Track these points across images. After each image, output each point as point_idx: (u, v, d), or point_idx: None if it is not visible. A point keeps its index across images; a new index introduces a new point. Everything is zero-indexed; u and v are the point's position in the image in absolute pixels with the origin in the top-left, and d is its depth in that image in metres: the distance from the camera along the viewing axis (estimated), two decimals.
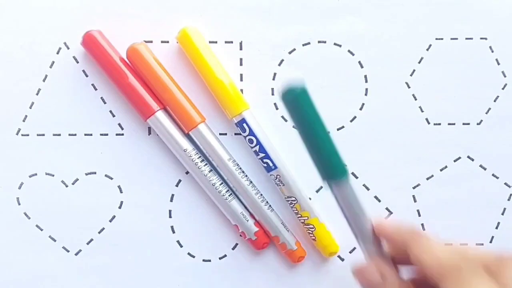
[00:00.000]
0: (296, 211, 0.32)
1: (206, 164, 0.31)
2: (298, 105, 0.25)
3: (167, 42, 0.32)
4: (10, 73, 0.32)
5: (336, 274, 0.33)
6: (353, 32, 0.32)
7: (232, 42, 0.32)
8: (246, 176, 0.31)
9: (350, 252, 0.33)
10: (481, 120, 0.33)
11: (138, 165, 0.32)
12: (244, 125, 0.31)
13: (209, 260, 0.33)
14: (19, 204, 0.32)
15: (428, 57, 0.33)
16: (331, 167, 0.26)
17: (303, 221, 0.32)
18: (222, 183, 0.31)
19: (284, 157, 0.32)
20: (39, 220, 0.32)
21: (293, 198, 0.31)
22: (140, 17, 0.32)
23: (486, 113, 0.33)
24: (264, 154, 0.31)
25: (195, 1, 0.32)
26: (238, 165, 0.31)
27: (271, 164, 0.31)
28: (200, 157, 0.31)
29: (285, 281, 0.33)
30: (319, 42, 0.32)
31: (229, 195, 0.31)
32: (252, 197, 0.31)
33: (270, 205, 0.32)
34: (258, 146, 0.31)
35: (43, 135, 0.32)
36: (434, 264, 0.25)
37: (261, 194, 0.32)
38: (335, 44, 0.32)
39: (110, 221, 0.32)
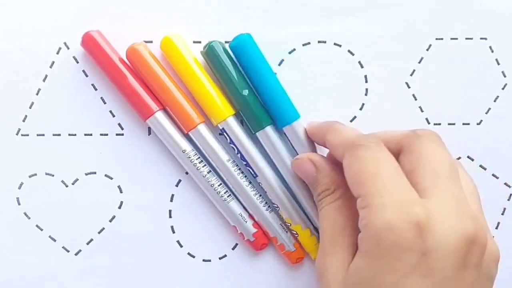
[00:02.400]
0: (281, 217, 0.32)
1: (205, 165, 0.31)
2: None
3: None
4: (10, 73, 0.32)
5: None
6: (353, 32, 0.32)
7: None
8: (246, 176, 0.31)
9: None
10: (481, 120, 0.33)
11: (138, 165, 0.32)
12: (225, 134, 0.31)
13: (209, 260, 0.33)
14: (19, 204, 0.32)
15: (428, 57, 0.33)
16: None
17: (288, 225, 0.32)
18: (220, 184, 0.31)
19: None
20: (39, 220, 0.32)
21: (276, 205, 0.32)
22: (140, 17, 0.32)
23: (486, 113, 0.33)
24: (245, 162, 0.31)
25: (195, 1, 0.32)
26: (237, 165, 0.31)
27: (252, 172, 0.31)
28: (199, 158, 0.31)
29: (286, 281, 0.33)
30: (319, 42, 0.32)
31: (227, 196, 0.31)
32: (251, 198, 0.31)
33: (269, 206, 0.32)
34: (239, 155, 0.31)
35: (43, 135, 0.32)
36: (339, 142, 0.27)
37: (260, 195, 0.32)
38: (335, 44, 0.32)
39: (110, 221, 0.32)
